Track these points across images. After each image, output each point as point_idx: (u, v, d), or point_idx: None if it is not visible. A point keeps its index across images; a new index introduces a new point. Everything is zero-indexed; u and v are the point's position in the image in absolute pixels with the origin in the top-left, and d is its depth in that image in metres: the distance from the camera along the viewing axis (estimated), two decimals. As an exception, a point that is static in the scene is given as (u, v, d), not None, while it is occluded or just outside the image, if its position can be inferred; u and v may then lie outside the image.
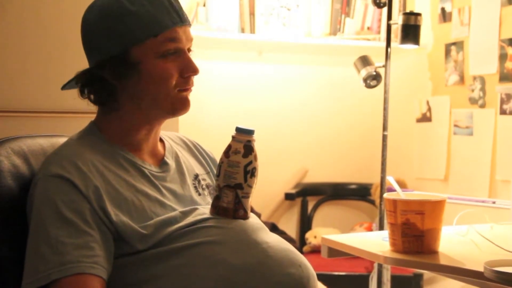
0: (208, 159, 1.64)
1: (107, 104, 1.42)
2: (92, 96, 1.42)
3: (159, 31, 1.37)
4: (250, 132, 1.41)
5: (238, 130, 1.41)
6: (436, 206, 1.52)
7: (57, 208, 1.28)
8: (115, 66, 1.37)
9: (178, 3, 1.42)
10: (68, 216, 1.27)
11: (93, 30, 1.40)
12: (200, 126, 3.25)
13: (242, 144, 1.40)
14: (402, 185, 3.49)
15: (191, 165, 1.57)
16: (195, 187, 1.52)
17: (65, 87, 1.47)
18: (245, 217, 1.41)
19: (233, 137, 1.41)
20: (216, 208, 1.40)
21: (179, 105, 1.43)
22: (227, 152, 1.40)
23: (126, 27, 1.36)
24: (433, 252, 1.52)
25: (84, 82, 1.41)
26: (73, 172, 1.31)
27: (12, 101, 2.87)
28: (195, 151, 1.63)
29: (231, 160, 1.39)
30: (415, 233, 1.51)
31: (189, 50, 1.44)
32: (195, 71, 1.42)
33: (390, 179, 1.67)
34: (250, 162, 1.40)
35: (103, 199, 1.31)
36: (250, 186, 1.41)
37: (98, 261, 1.26)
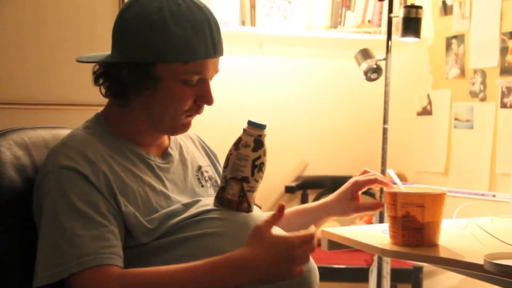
0: (210, 154, 1.65)
1: (117, 99, 1.43)
2: (104, 87, 1.42)
3: (189, 60, 1.35)
4: (261, 127, 1.40)
5: (250, 123, 1.40)
6: (436, 199, 1.51)
7: (70, 201, 1.28)
8: (135, 72, 1.36)
9: (219, 33, 1.40)
10: (82, 208, 1.28)
11: (127, 31, 1.38)
12: (198, 118, 3.25)
13: (253, 138, 1.39)
14: (402, 178, 3.49)
15: (195, 157, 1.57)
16: (198, 178, 1.53)
17: (81, 61, 1.45)
18: (249, 210, 1.41)
19: (244, 130, 1.41)
20: (220, 199, 1.40)
21: (180, 129, 1.45)
22: (236, 145, 1.40)
23: (161, 44, 1.34)
24: (433, 245, 1.52)
25: (101, 72, 1.41)
26: (82, 163, 1.31)
27: (12, 94, 2.87)
28: (198, 145, 1.64)
29: (240, 153, 1.39)
30: (415, 226, 1.50)
31: (211, 78, 1.44)
32: (210, 102, 1.43)
33: (391, 172, 1.67)
34: (259, 157, 1.40)
35: (113, 187, 1.32)
36: (257, 181, 1.41)
37: (115, 252, 1.27)
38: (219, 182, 1.47)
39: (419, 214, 1.49)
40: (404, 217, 1.50)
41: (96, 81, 1.42)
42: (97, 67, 1.42)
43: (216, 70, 1.43)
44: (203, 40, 1.36)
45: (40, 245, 1.28)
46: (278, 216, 1.29)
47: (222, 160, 1.48)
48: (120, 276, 1.25)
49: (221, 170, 1.53)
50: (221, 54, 1.42)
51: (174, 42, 1.34)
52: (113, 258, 1.26)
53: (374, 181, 1.64)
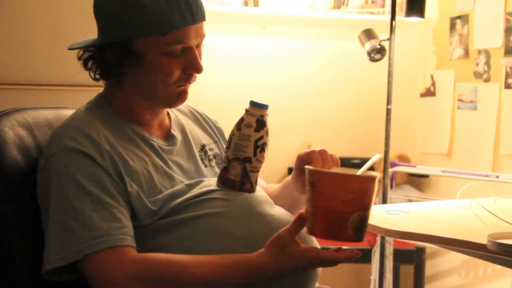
0: (214, 129, 1.64)
1: (110, 80, 1.43)
2: (94, 70, 1.42)
3: (167, 30, 1.33)
4: (264, 107, 1.40)
5: (252, 104, 1.40)
6: (331, 180, 1.25)
7: (78, 183, 1.28)
8: (117, 52, 1.36)
9: None
10: (91, 189, 1.28)
11: (102, 11, 1.38)
12: (202, 99, 3.24)
13: (255, 118, 1.39)
14: (406, 159, 3.49)
15: (198, 135, 1.57)
16: (202, 158, 1.52)
17: (72, 48, 1.45)
18: (251, 190, 1.41)
19: (246, 110, 1.40)
20: (223, 179, 1.40)
21: (176, 99, 1.43)
22: (239, 125, 1.39)
23: (134, 19, 1.33)
24: (330, 239, 1.26)
25: (87, 57, 1.41)
26: (87, 145, 1.31)
27: (15, 74, 2.87)
28: (202, 121, 1.63)
29: (242, 133, 1.38)
30: (309, 209, 1.27)
31: (198, 45, 1.41)
32: (198, 70, 1.40)
33: (375, 157, 1.49)
34: (261, 137, 1.39)
35: (119, 167, 1.32)
36: (259, 161, 1.41)
37: (126, 232, 1.28)
38: None
39: (311, 194, 1.26)
40: (307, 198, 1.29)
41: (85, 66, 1.41)
42: (81, 52, 1.41)
43: (200, 36, 1.39)
44: (178, 9, 1.33)
45: (50, 228, 1.28)
46: (299, 225, 1.27)
47: (227, 135, 1.47)
48: (140, 260, 1.25)
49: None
50: (202, 20, 1.38)
51: (148, 16, 1.32)
52: (125, 238, 1.26)
53: (311, 153, 1.44)
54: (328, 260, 1.28)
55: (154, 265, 1.25)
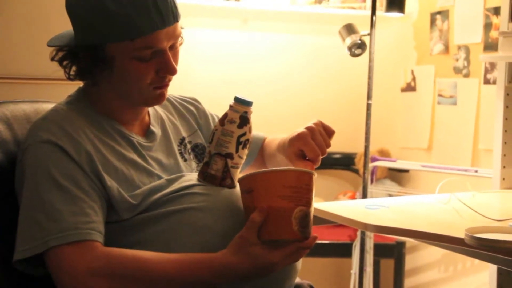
0: (194, 110, 1.62)
1: (85, 80, 1.42)
2: (68, 70, 1.40)
3: (134, 36, 1.31)
4: (248, 103, 1.40)
5: (236, 100, 1.39)
6: (267, 178, 1.27)
7: (50, 175, 1.27)
8: (88, 56, 1.34)
9: (166, 1, 1.33)
10: (62, 182, 1.27)
11: (72, 16, 1.37)
12: (182, 94, 3.23)
13: (239, 114, 1.39)
14: (386, 154, 3.51)
15: (177, 128, 1.56)
16: (181, 152, 1.52)
17: (51, 45, 1.42)
18: (232, 186, 1.41)
19: (230, 106, 1.40)
20: (204, 174, 1.40)
21: (153, 101, 1.42)
22: (222, 120, 1.39)
23: (102, 25, 1.30)
24: (273, 238, 1.26)
25: (63, 55, 1.39)
26: (63, 139, 1.30)
27: (-6, 68, 2.84)
28: (181, 108, 1.61)
29: (225, 129, 1.38)
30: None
31: (173, 45, 1.38)
32: (171, 72, 1.37)
33: None
34: (244, 134, 1.39)
35: (96, 164, 1.31)
36: (241, 157, 1.41)
37: (94, 227, 1.26)
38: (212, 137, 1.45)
39: (250, 201, 1.29)
40: (245, 207, 1.31)
41: (61, 64, 1.40)
42: (54, 52, 1.40)
43: (174, 37, 1.36)
44: (146, 14, 1.30)
45: (20, 219, 1.27)
46: (258, 223, 1.26)
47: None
48: (105, 256, 1.24)
49: (216, 119, 1.53)
50: (174, 22, 1.35)
51: (115, 22, 1.29)
52: (92, 233, 1.25)
53: (305, 146, 1.49)
54: (292, 251, 1.27)
55: (118, 262, 1.24)
